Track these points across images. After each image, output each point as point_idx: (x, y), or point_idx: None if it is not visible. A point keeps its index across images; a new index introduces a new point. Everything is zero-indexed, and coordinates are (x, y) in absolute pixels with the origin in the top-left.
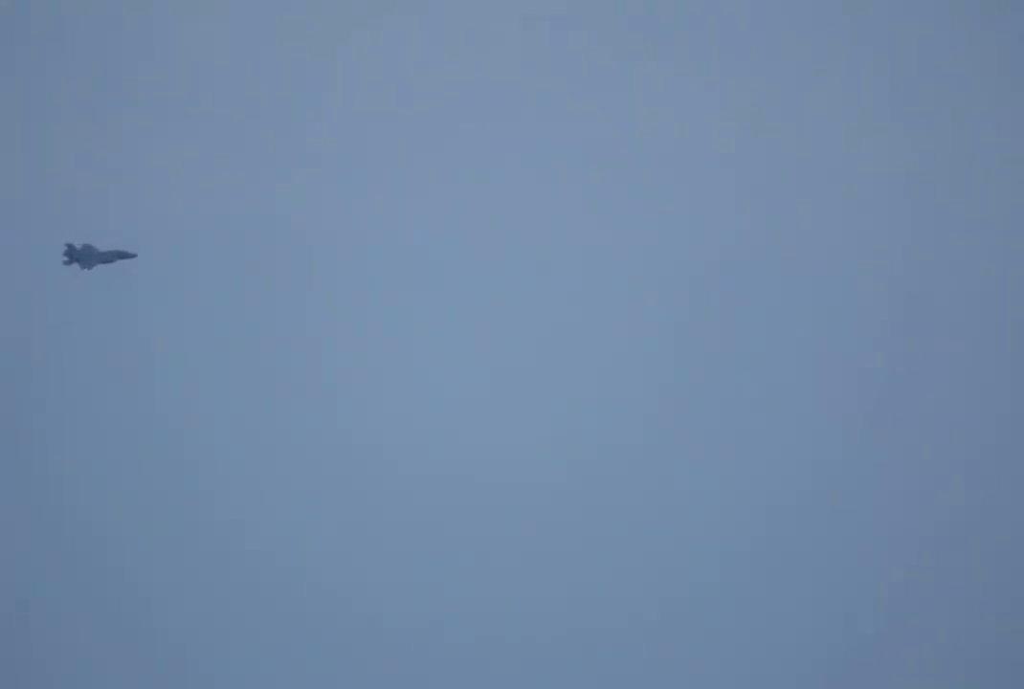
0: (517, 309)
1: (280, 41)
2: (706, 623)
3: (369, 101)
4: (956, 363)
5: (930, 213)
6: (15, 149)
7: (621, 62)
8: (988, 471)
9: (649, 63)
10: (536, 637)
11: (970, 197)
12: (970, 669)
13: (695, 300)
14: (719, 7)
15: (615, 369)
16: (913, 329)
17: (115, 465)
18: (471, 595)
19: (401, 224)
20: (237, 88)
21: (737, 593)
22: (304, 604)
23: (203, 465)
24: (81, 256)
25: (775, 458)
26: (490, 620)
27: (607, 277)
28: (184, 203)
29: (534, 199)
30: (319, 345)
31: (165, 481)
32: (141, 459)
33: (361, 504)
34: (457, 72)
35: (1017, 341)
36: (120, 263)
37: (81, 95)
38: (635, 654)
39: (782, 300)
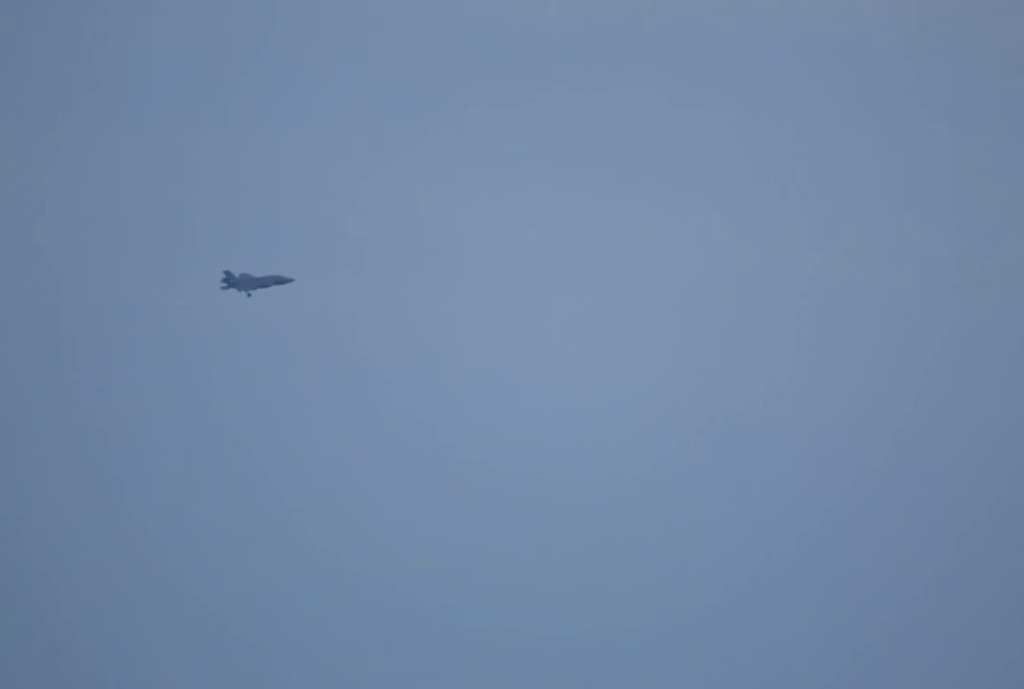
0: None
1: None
2: (718, 626)
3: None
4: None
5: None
6: (183, 184)
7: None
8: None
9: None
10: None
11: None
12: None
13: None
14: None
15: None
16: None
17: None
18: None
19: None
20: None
21: (751, 607)
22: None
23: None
24: (239, 282)
25: (793, 479)
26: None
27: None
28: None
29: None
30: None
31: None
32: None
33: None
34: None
35: None
36: (276, 288)
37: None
38: (640, 654)
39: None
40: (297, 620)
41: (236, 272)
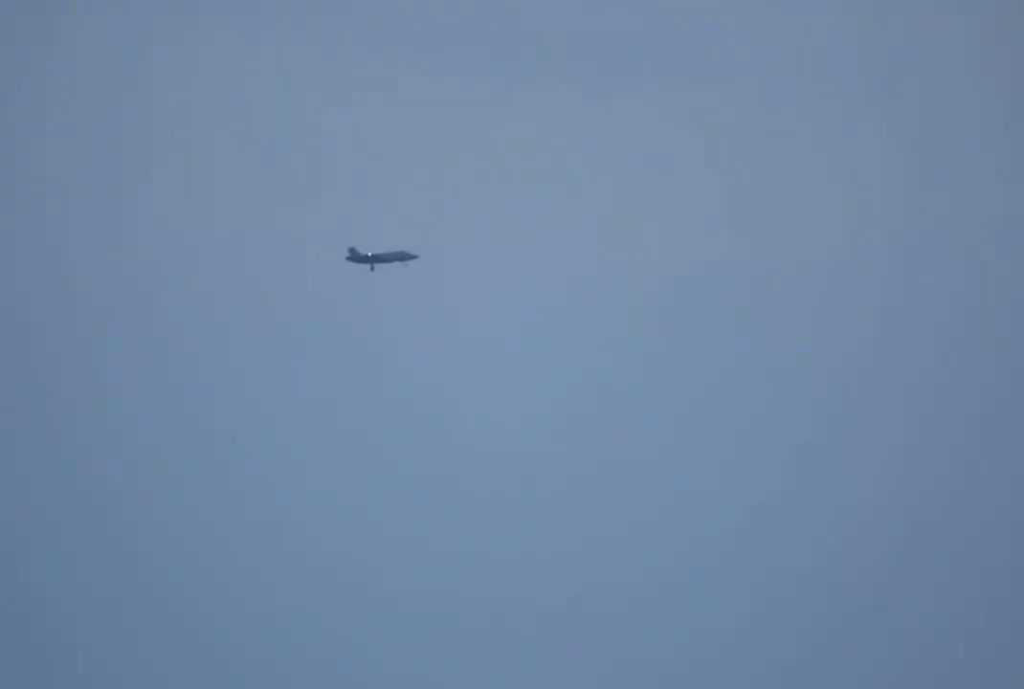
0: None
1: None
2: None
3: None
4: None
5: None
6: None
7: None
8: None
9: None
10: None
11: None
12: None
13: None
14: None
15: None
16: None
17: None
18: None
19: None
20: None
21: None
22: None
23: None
24: (362, 257)
25: (765, 451)
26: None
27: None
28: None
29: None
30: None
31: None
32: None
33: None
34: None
35: None
36: (398, 264)
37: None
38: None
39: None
40: (294, 605)
41: (362, 250)
